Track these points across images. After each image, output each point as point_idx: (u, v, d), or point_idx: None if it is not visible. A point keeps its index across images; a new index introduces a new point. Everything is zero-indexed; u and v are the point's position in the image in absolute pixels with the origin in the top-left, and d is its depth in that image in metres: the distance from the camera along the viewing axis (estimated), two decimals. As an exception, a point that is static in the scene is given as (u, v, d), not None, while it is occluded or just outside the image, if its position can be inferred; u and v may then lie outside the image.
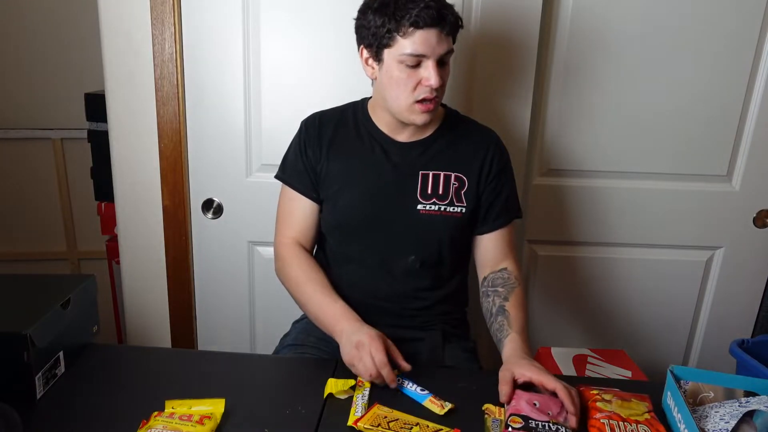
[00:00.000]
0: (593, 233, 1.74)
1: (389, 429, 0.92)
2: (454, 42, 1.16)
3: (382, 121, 1.27)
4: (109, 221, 2.06)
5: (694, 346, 1.87)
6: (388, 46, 1.13)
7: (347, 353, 1.09)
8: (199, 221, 1.69)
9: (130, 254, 1.73)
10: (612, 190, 1.70)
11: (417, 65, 1.13)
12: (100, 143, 1.97)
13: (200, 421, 0.91)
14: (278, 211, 1.36)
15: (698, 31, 1.56)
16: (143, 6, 1.52)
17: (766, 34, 1.57)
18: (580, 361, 1.59)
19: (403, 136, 1.26)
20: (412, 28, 1.10)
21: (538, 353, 1.66)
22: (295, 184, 1.31)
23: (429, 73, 1.12)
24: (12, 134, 2.49)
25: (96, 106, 1.95)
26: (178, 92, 1.58)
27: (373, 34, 1.15)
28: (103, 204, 2.10)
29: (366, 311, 1.26)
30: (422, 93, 1.14)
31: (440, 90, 1.17)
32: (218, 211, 1.68)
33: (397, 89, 1.16)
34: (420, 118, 1.18)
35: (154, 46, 1.54)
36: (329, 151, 1.29)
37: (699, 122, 1.64)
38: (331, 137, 1.29)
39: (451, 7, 1.13)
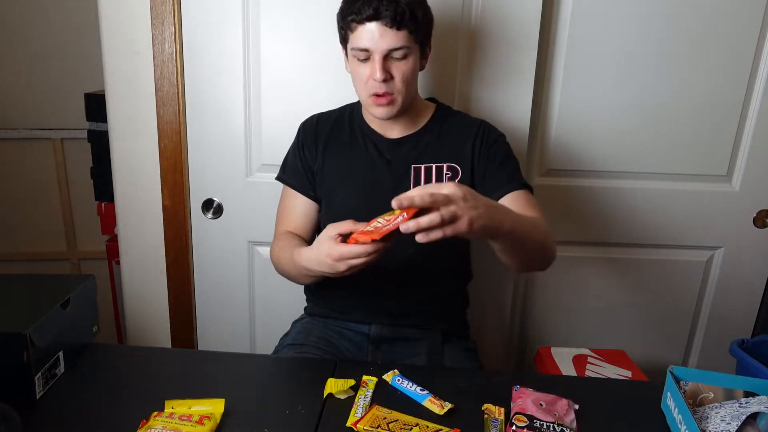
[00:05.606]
0: (593, 233, 1.74)
1: (388, 430, 0.92)
2: (420, 36, 1.17)
3: (372, 119, 1.29)
4: (109, 221, 2.06)
5: (694, 346, 1.87)
6: (346, 41, 1.19)
7: (336, 273, 1.04)
8: (199, 221, 1.69)
9: (130, 254, 1.73)
10: (612, 190, 1.70)
11: (368, 59, 1.16)
12: (100, 143, 1.97)
13: (200, 421, 0.91)
14: (277, 211, 1.38)
15: (699, 31, 1.56)
16: (143, 6, 1.52)
17: (766, 34, 1.57)
18: (580, 361, 1.59)
19: (394, 132, 1.29)
20: (354, 24, 1.14)
21: (538, 353, 1.66)
22: (292, 183, 1.34)
23: (372, 66, 1.15)
24: (12, 134, 2.49)
25: (96, 106, 1.95)
26: (178, 92, 1.58)
27: (339, 33, 1.22)
28: (103, 204, 2.10)
29: (367, 310, 1.27)
30: (372, 87, 1.17)
31: (395, 85, 1.16)
32: (218, 211, 1.68)
33: (355, 83, 1.21)
34: (377, 111, 1.20)
35: (154, 46, 1.54)
36: (325, 150, 1.31)
37: (699, 122, 1.64)
38: (327, 137, 1.32)
39: (399, 0, 1.11)
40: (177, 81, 1.57)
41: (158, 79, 1.57)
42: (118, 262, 1.80)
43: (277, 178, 1.37)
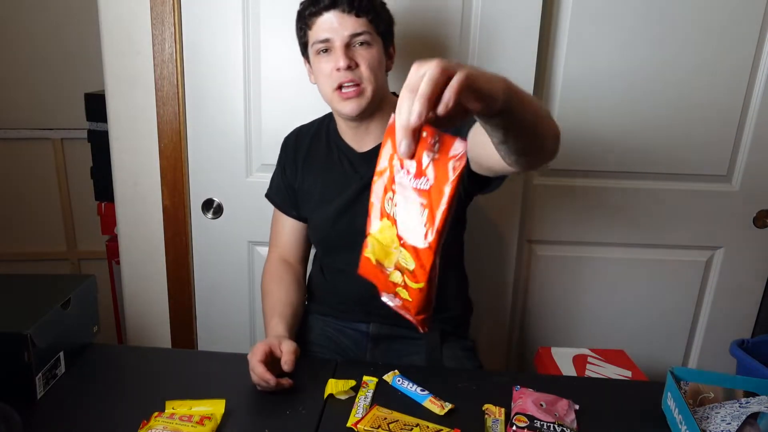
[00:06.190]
0: (593, 233, 1.74)
1: (389, 430, 0.92)
2: (381, 26, 1.16)
3: (345, 131, 1.26)
4: (109, 221, 2.06)
5: (694, 346, 1.87)
6: (307, 44, 1.18)
7: None
8: (199, 221, 1.69)
9: (130, 254, 1.73)
10: (612, 190, 1.70)
11: (330, 51, 1.13)
12: (100, 143, 1.97)
13: (200, 422, 0.91)
14: (270, 228, 1.40)
15: (698, 30, 1.56)
16: (143, 6, 1.52)
17: (766, 33, 1.57)
18: (580, 361, 1.59)
19: (366, 144, 1.24)
20: (312, 18, 1.13)
21: (538, 353, 1.66)
22: (277, 202, 1.36)
23: (335, 55, 1.12)
24: (12, 134, 2.49)
25: (96, 106, 1.95)
26: (178, 92, 1.58)
27: (299, 39, 1.20)
28: (103, 204, 2.10)
29: (366, 309, 1.28)
30: (337, 78, 1.13)
31: (361, 73, 1.13)
32: (218, 211, 1.68)
33: (320, 81, 1.17)
34: (346, 107, 1.15)
35: (154, 46, 1.54)
36: (304, 167, 1.30)
37: (699, 122, 1.64)
38: (305, 154, 1.31)
39: None
40: (177, 81, 1.57)
41: (158, 79, 1.57)
42: (118, 262, 1.80)
43: (266, 196, 1.39)
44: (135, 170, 1.65)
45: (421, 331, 0.70)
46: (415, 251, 0.63)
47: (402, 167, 0.64)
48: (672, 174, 1.69)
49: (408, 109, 0.58)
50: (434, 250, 0.62)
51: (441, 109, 0.58)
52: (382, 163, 0.66)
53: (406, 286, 0.66)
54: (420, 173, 0.62)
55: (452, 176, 0.60)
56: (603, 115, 1.63)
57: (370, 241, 0.69)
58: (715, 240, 1.75)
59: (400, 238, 0.64)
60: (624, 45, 1.57)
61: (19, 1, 2.37)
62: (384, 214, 0.67)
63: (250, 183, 1.65)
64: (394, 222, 0.65)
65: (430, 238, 0.61)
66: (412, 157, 0.61)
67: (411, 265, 0.64)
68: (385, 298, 0.71)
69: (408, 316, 0.69)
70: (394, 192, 0.65)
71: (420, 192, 0.62)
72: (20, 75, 2.44)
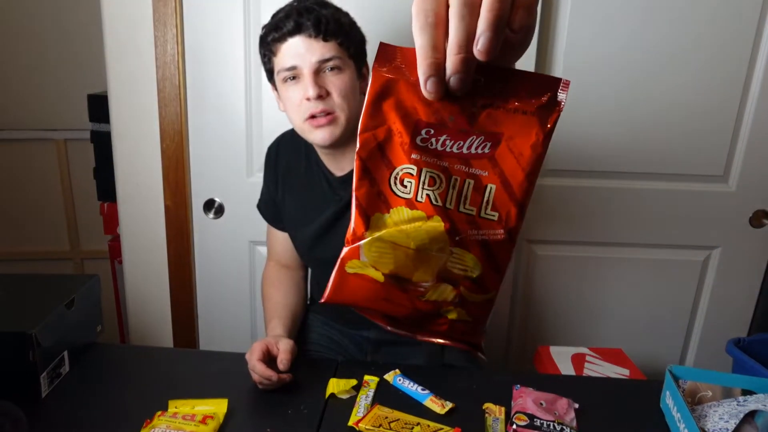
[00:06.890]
0: (591, 233, 1.75)
1: (390, 429, 0.93)
2: (351, 49, 1.08)
3: (324, 153, 1.21)
4: (111, 221, 2.07)
5: (690, 344, 1.88)
6: (272, 71, 1.10)
7: None
8: (201, 221, 1.70)
9: (133, 254, 1.74)
10: (610, 190, 1.71)
11: (297, 79, 1.06)
12: (102, 144, 1.98)
13: (203, 421, 0.92)
14: (266, 236, 1.40)
15: (695, 32, 1.57)
16: (145, 7, 1.53)
17: (762, 34, 1.58)
18: (578, 360, 1.60)
19: (343, 169, 1.18)
20: (277, 44, 1.05)
21: (537, 352, 1.67)
22: (265, 215, 1.36)
23: (304, 84, 1.04)
24: (16, 135, 2.49)
25: (99, 106, 1.96)
26: (179, 93, 1.59)
27: (264, 66, 1.13)
28: (105, 204, 2.11)
29: (357, 320, 1.29)
30: (307, 109, 1.06)
31: (333, 101, 1.05)
32: (219, 211, 1.69)
33: (289, 111, 1.10)
34: (318, 136, 1.07)
35: (156, 47, 1.55)
36: (284, 182, 1.28)
37: (696, 123, 1.64)
38: (285, 168, 1.27)
39: (317, 9, 1.04)
40: (179, 82, 1.58)
41: (160, 80, 1.58)
42: (120, 262, 1.81)
43: (257, 207, 1.38)
44: (137, 170, 1.66)
45: (484, 358, 0.50)
46: (483, 247, 0.43)
47: (420, 126, 0.42)
48: (669, 174, 1.70)
49: (465, 31, 0.37)
50: (514, 241, 0.44)
51: (518, 23, 0.38)
52: (366, 132, 0.43)
53: (462, 303, 0.45)
54: (466, 131, 0.42)
55: (538, 128, 0.45)
56: (601, 116, 1.64)
57: (369, 248, 0.45)
58: (712, 240, 1.76)
59: (456, 232, 0.43)
60: (622, 46, 1.58)
61: (22, 2, 2.37)
62: (397, 201, 0.43)
63: (251, 183, 1.66)
64: (433, 210, 0.42)
65: (510, 223, 0.43)
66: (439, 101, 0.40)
67: (476, 269, 0.44)
68: (392, 329, 0.51)
69: (462, 342, 0.48)
70: (420, 165, 0.42)
71: (469, 158, 0.42)
72: (24, 76, 2.44)
